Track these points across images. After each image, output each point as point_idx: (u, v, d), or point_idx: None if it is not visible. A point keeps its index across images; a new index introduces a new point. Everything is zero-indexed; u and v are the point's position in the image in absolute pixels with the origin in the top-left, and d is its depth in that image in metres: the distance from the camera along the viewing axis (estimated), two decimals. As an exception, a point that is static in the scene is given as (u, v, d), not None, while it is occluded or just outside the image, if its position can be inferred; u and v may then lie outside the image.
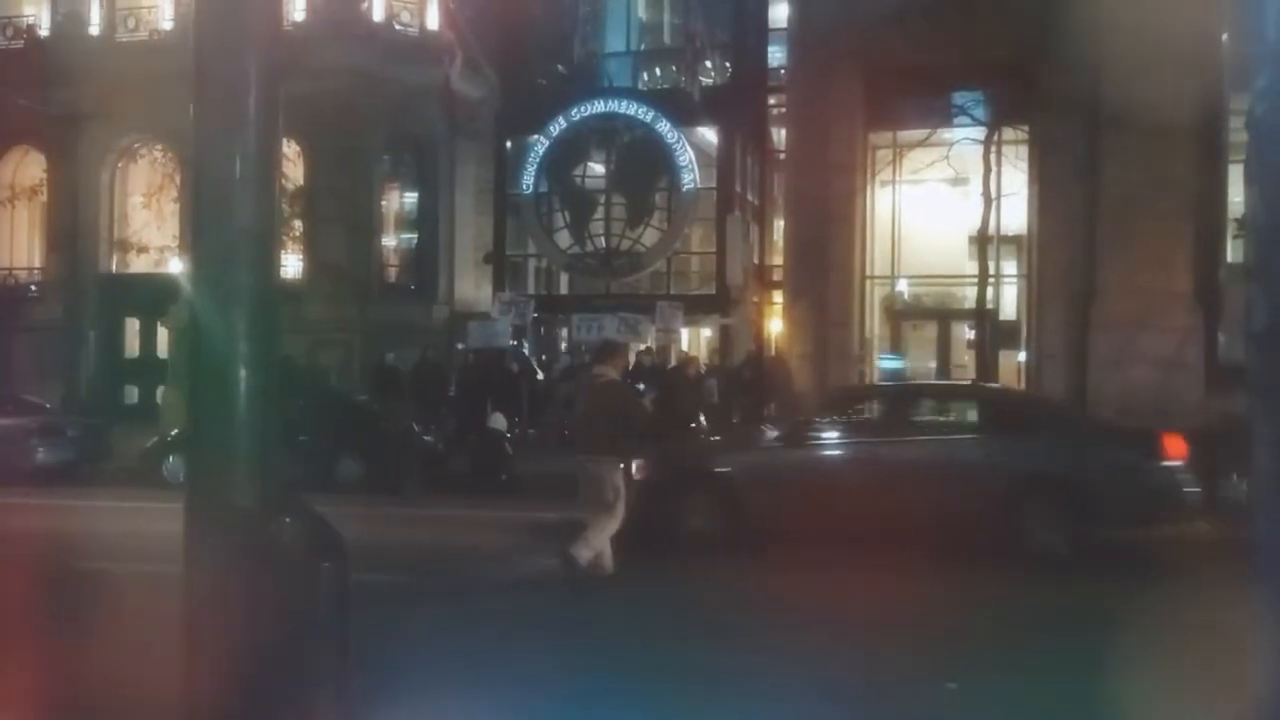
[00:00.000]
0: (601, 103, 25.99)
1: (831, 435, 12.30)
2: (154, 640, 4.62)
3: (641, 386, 12.43)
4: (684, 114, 25.53)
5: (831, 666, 7.24)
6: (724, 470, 11.87)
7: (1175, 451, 11.38)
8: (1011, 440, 11.51)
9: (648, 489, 11.40)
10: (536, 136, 26.34)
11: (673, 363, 22.20)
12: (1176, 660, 6.50)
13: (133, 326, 28.75)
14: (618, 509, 9.86)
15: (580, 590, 9.40)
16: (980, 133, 19.30)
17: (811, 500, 10.61)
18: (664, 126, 25.27)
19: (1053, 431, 11.81)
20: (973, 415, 12.38)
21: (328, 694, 4.10)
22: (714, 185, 25.87)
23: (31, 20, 28.75)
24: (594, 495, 9.91)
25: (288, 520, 4.17)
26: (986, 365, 19.07)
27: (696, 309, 25.67)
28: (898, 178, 24.07)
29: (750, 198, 27.42)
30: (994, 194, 18.41)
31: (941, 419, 11.95)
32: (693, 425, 17.28)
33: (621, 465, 10.06)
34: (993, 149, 18.72)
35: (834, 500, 11.05)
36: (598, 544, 9.72)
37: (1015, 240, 23.84)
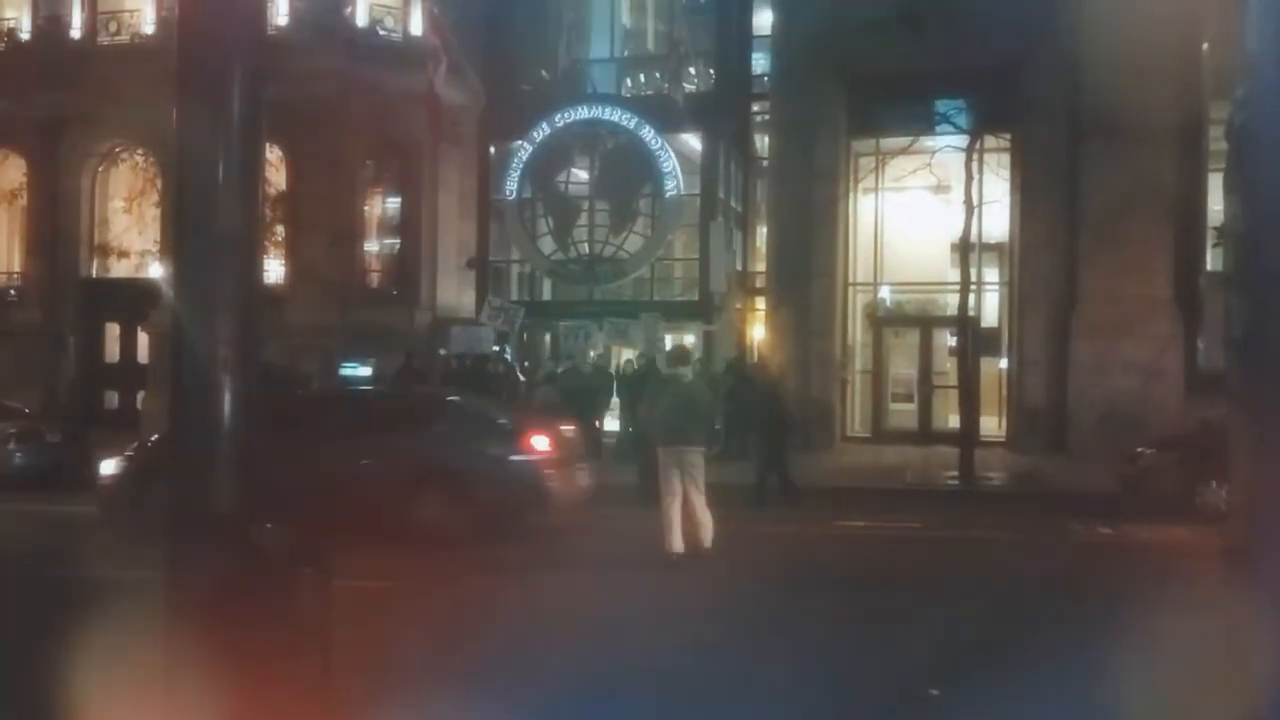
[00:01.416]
0: (585, 109, 25.99)
1: (279, 435, 13.43)
2: (134, 647, 4.59)
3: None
4: (667, 120, 25.54)
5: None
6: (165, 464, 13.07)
7: (535, 446, 12.56)
8: (412, 437, 12.74)
9: (125, 482, 12.87)
10: (520, 142, 26.32)
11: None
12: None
13: (113, 331, 28.60)
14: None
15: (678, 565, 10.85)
16: (962, 140, 19.38)
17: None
18: (647, 133, 25.29)
19: (444, 428, 13.08)
20: (386, 416, 13.61)
21: (310, 700, 4.09)
22: (697, 191, 25.89)
23: (12, 23, 28.57)
24: (689, 481, 11.11)
25: (269, 526, 4.16)
26: (968, 372, 19.13)
27: (679, 315, 25.68)
28: (880, 185, 24.18)
29: (733, 204, 27.45)
30: (975, 201, 18.49)
31: (360, 420, 13.20)
32: None
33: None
34: (974, 157, 18.80)
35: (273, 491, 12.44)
36: (706, 519, 11.13)
37: (997, 248, 23.97)
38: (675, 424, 11.32)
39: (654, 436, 11.68)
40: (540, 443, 12.68)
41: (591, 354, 23.56)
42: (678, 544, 10.96)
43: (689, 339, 26.03)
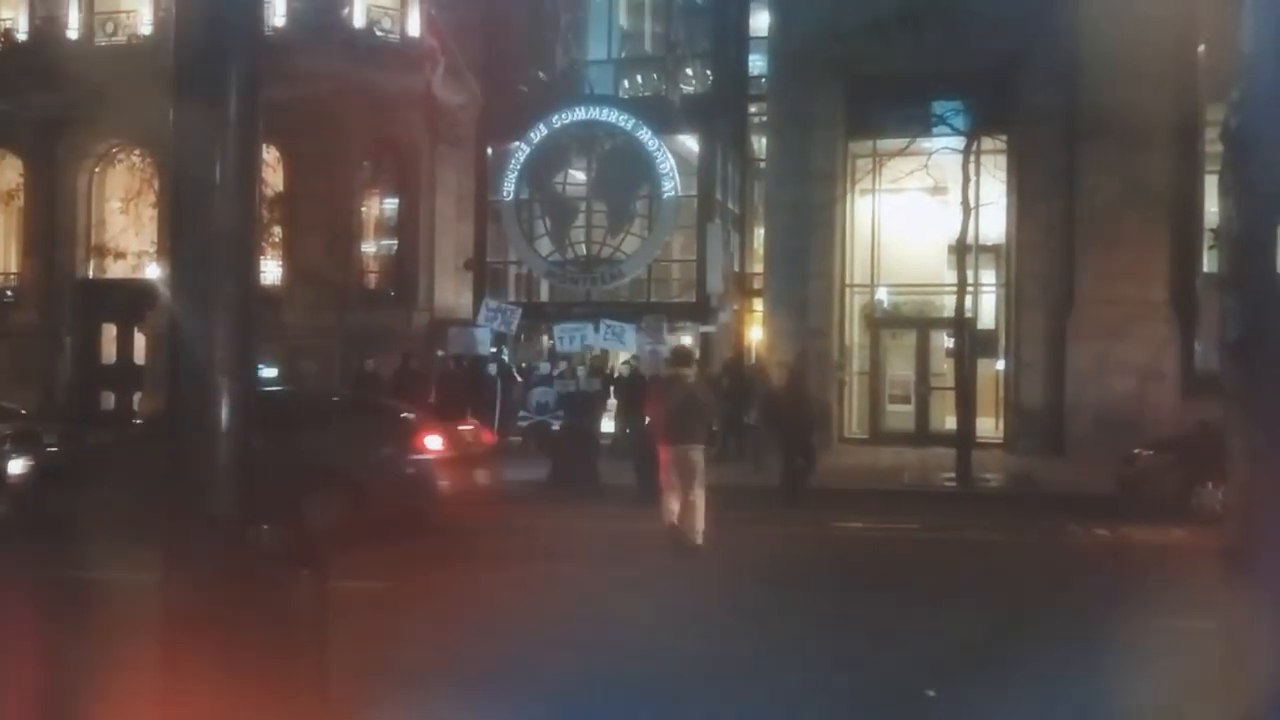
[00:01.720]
0: (583, 110, 25.96)
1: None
2: (132, 647, 4.59)
3: None
4: (665, 121, 25.51)
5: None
6: (69, 464, 14.09)
7: (426, 445, 12.75)
8: (303, 437, 12.54)
9: (31, 482, 13.62)
10: (518, 143, 26.29)
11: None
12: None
13: (109, 332, 28.58)
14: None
15: (682, 553, 11.44)
16: (959, 142, 19.38)
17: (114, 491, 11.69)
18: (645, 134, 25.26)
19: (337, 428, 13.26)
20: (279, 415, 13.49)
21: (307, 700, 4.09)
22: (694, 193, 25.87)
23: (9, 24, 28.56)
24: (693, 478, 11.71)
25: (266, 527, 4.16)
26: (965, 374, 19.14)
27: (677, 316, 25.67)
28: (877, 186, 24.19)
29: (731, 205, 27.44)
30: (973, 203, 18.50)
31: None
32: None
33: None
34: (971, 158, 18.81)
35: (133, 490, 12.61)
36: (700, 519, 11.69)
37: (994, 249, 23.98)
38: (681, 424, 11.82)
39: (659, 435, 12.09)
40: (433, 442, 12.87)
41: (589, 355, 23.55)
42: (674, 518, 11.71)
43: (686, 339, 26.06)
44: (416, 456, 12.65)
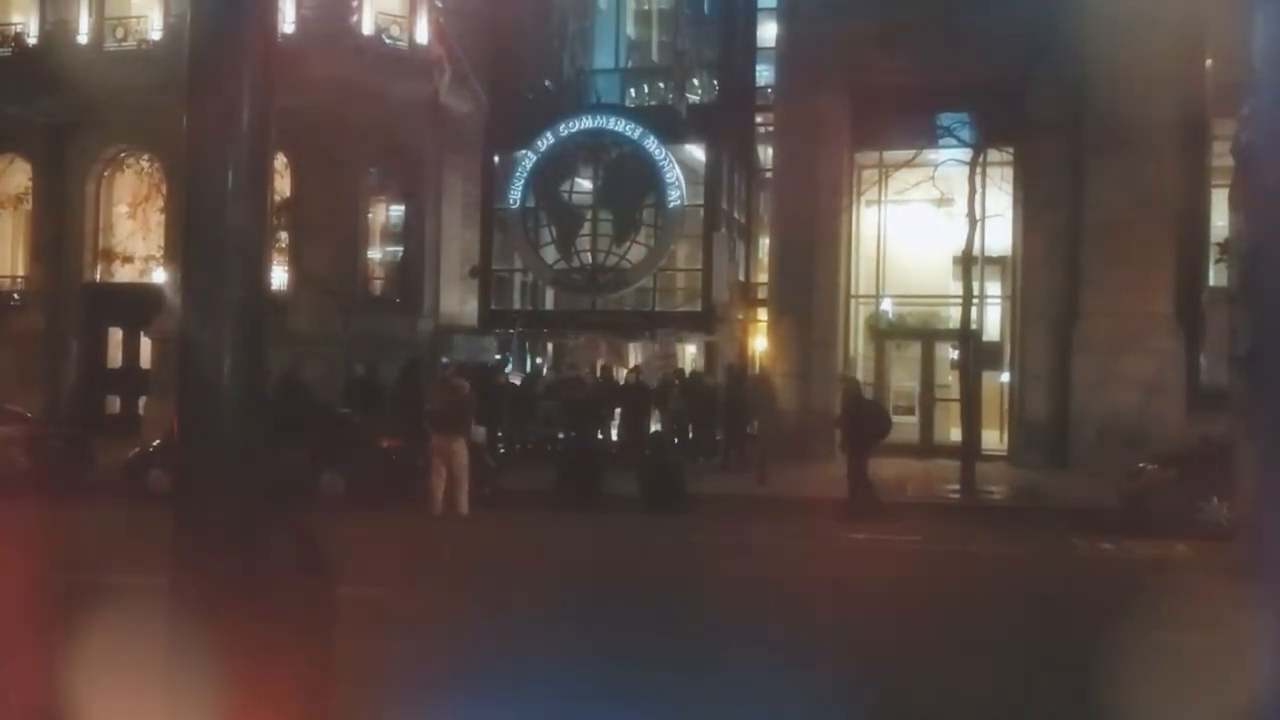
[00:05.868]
0: (589, 119, 26.01)
1: None
2: (138, 654, 4.60)
3: None
4: (671, 131, 25.54)
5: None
6: None
7: None
8: None
9: None
10: (524, 151, 26.34)
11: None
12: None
13: (115, 336, 28.63)
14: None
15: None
16: (965, 154, 19.41)
17: None
18: (651, 143, 25.30)
19: None
20: None
21: (313, 707, 4.09)
22: (700, 202, 25.88)
23: (20, 28, 28.65)
24: (454, 463, 15.36)
25: (274, 533, 4.16)
26: (970, 385, 19.14)
27: (682, 326, 25.71)
28: (883, 197, 24.21)
29: (736, 215, 27.46)
30: (978, 215, 18.52)
31: None
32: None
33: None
34: (977, 170, 18.83)
35: None
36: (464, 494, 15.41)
37: (999, 261, 23.99)
38: (449, 421, 15.57)
39: (430, 428, 15.84)
40: None
41: (599, 364, 23.63)
42: (437, 509, 15.21)
43: (690, 349, 26.09)
44: None
